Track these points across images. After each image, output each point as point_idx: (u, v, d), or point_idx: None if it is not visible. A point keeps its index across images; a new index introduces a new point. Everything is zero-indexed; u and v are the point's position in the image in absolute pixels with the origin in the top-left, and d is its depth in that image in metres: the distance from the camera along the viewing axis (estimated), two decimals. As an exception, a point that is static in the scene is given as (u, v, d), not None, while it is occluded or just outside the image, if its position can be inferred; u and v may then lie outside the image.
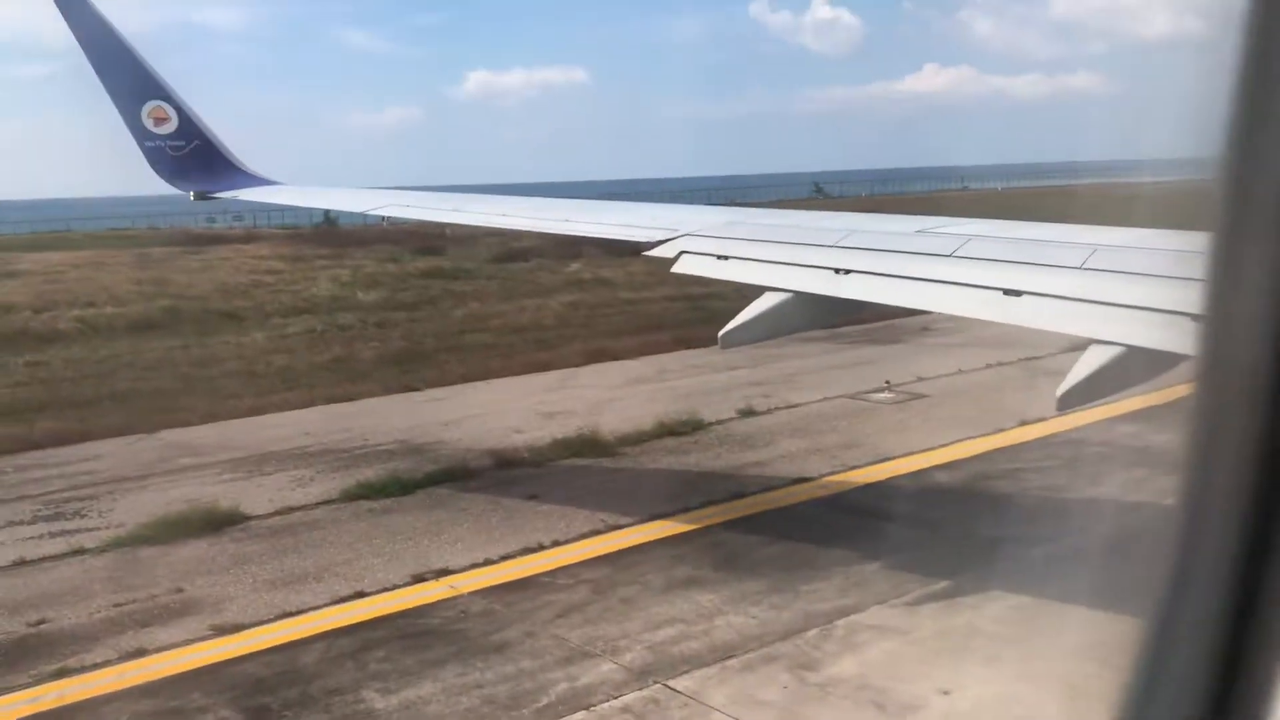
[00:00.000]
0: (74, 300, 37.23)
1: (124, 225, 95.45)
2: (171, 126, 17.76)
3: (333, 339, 30.55)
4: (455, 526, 14.19)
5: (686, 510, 14.44)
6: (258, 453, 18.49)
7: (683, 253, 12.82)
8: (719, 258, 12.47)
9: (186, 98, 18.22)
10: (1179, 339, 7.99)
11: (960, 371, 22.74)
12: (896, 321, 28.38)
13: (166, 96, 17.75)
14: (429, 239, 58.25)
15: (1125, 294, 8.84)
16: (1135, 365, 8.41)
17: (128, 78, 17.35)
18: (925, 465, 16.22)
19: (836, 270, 11.14)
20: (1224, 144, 1.61)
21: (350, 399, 22.88)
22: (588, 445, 17.63)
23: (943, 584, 11.65)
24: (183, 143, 17.90)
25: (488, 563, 12.82)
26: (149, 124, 17.62)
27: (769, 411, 19.94)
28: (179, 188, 18.38)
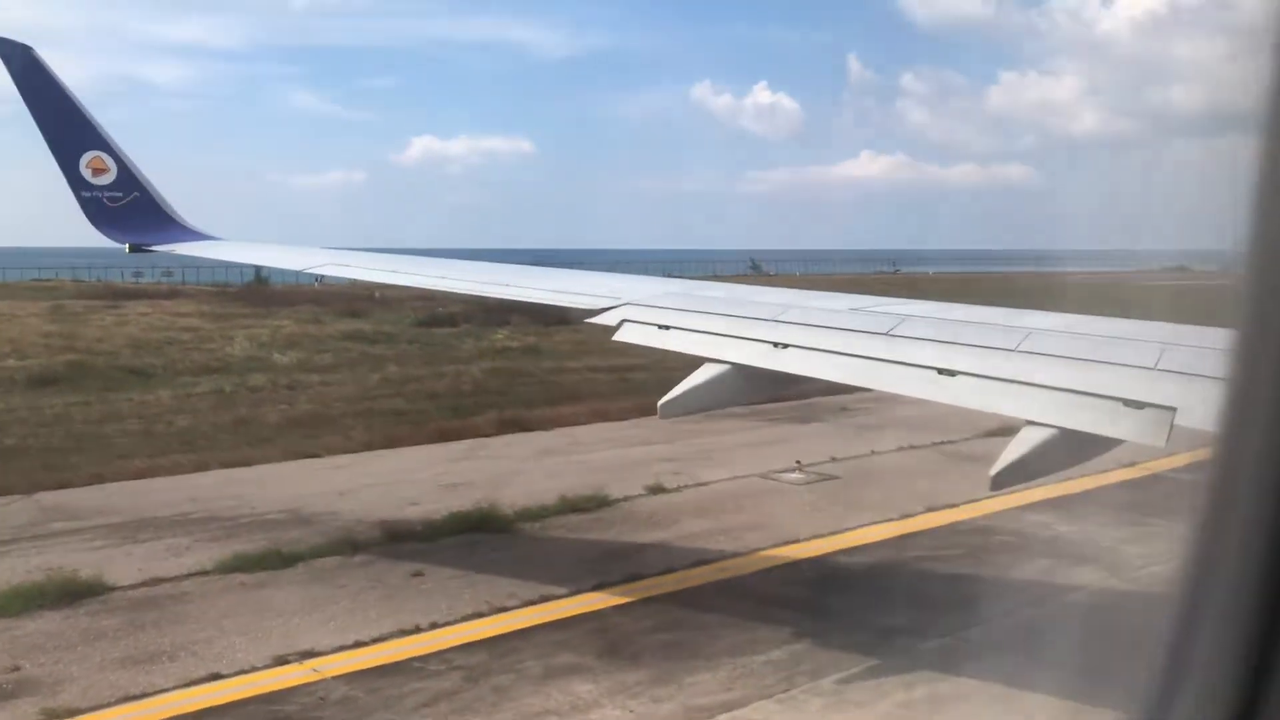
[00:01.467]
0: (-27, 352, 35.88)
1: (48, 276, 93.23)
2: (110, 178, 17.38)
3: (240, 400, 29.60)
4: (330, 604, 13.41)
5: (578, 592, 13.81)
6: (137, 518, 17.54)
7: (624, 321, 12.60)
8: (660, 327, 12.29)
9: (127, 151, 17.89)
10: (1109, 423, 8.12)
11: (873, 453, 22.45)
12: (816, 400, 28.21)
13: (106, 147, 17.39)
14: (356, 301, 57.50)
15: (1058, 377, 8.84)
16: (1067, 448, 8.46)
17: (67, 127, 17.03)
18: (828, 550, 15.77)
19: (774, 344, 11.02)
20: (1246, 237, 1.67)
21: (247, 464, 21.97)
22: (484, 520, 16.94)
23: (833, 677, 11.14)
24: (120, 194, 17.49)
25: (358, 645, 12.05)
26: (87, 174, 17.24)
27: (677, 489, 19.42)
28: (114, 239, 17.94)
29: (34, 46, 17.07)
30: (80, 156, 17.18)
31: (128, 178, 17.57)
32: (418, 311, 51.55)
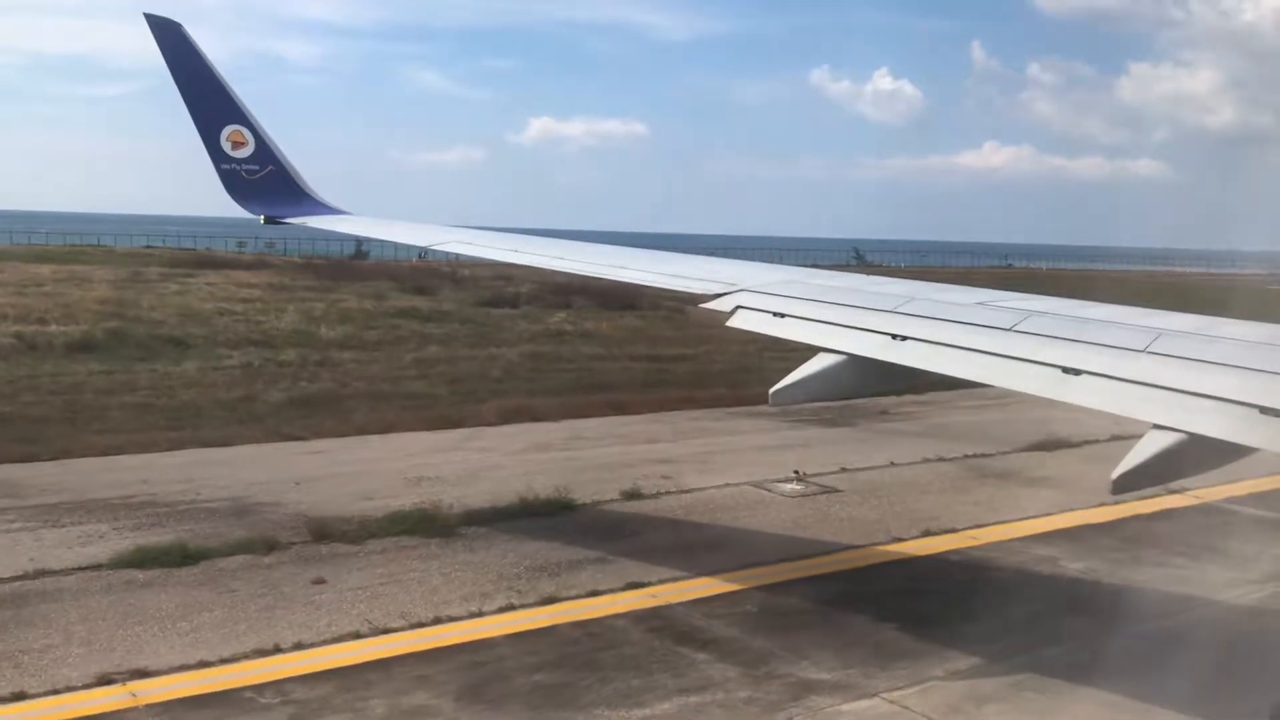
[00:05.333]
0: (25, 315, 36.10)
1: (156, 244, 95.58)
2: (248, 150, 17.54)
3: (262, 376, 28.90)
4: (205, 612, 12.13)
5: (479, 615, 12.27)
6: (75, 499, 16.65)
7: (739, 308, 12.22)
8: (775, 315, 11.86)
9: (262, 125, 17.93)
10: (1242, 430, 7.66)
11: (891, 465, 20.30)
12: (857, 404, 26.10)
13: (245, 121, 17.52)
14: (433, 277, 56.85)
15: (1189, 381, 8.41)
16: (1194, 454, 8.09)
17: (210, 101, 17.27)
18: (790, 576, 13.89)
19: (893, 336, 10.62)
20: None
21: (226, 444, 21.06)
22: (423, 521, 15.52)
23: (720, 744, 9.38)
24: (257, 167, 17.67)
25: (201, 665, 10.70)
26: (226, 147, 17.44)
27: (656, 495, 17.69)
28: (250, 211, 18.08)
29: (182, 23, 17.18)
30: (221, 130, 17.35)
31: (264, 151, 17.70)
32: (484, 291, 50.67)
